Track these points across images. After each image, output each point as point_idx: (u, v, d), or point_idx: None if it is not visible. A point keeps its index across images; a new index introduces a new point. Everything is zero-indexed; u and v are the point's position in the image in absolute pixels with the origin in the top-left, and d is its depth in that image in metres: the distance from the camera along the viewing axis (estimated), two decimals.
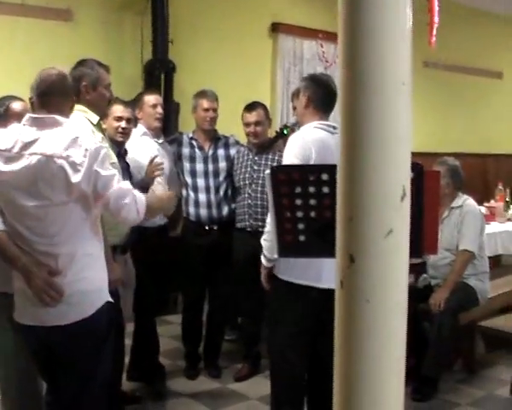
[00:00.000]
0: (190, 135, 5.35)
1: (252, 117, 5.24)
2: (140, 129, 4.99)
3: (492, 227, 6.42)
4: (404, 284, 1.55)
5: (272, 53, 8.33)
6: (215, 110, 5.29)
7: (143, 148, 4.90)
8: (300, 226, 2.78)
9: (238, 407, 4.84)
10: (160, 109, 5.06)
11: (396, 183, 1.49)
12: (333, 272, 1.57)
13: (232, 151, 5.35)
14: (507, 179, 8.65)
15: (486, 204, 7.09)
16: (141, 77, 7.16)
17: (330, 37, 8.34)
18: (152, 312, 5.05)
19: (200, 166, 5.20)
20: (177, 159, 5.28)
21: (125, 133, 4.46)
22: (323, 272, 3.62)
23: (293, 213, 2.76)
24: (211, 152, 5.30)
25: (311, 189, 2.69)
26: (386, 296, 1.51)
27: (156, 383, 5.02)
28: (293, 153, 3.80)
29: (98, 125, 3.84)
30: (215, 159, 5.31)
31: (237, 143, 5.42)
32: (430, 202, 2.64)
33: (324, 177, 2.66)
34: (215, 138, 5.34)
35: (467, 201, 5.34)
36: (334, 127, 3.90)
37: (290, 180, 2.71)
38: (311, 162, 3.67)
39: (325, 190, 2.68)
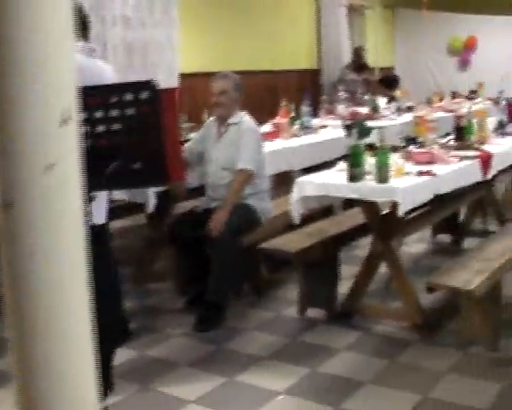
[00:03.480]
0: None
1: None
2: None
3: (276, 144, 6.30)
4: (79, 225, 1.23)
5: None
6: None
7: None
8: None
9: None
10: None
11: (52, 106, 1.16)
12: None
13: None
14: (295, 95, 8.59)
15: (272, 121, 6.96)
16: None
17: None
18: None
19: None
20: None
21: None
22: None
23: None
24: None
25: None
26: (56, 244, 1.19)
27: None
28: None
29: None
30: None
31: None
32: (169, 123, 2.36)
33: None
34: None
35: (244, 117, 5.12)
36: (94, 49, 3.57)
37: None
38: None
39: None
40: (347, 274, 5.04)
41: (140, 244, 5.95)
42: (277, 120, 6.93)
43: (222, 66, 9.27)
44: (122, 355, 4.25)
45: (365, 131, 4.25)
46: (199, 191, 5.35)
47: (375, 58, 12.53)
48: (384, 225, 4.48)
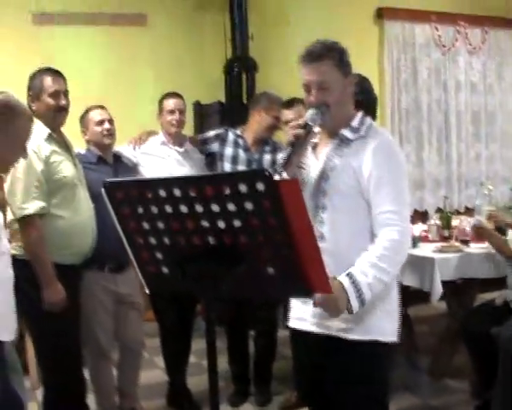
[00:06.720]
0: (238, 132, 4.70)
1: (290, 114, 4.55)
2: (160, 137, 4.58)
3: None
4: None
5: (379, 40, 7.58)
6: (277, 118, 4.60)
7: (157, 158, 4.50)
8: (159, 256, 2.20)
9: None
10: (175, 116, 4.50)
11: None
12: None
13: (280, 157, 4.66)
14: None
15: None
16: (222, 77, 6.73)
17: (446, 18, 7.61)
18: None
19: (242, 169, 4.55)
20: (219, 159, 4.65)
21: (111, 134, 4.12)
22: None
23: (146, 238, 2.18)
24: (257, 156, 4.66)
25: (154, 208, 2.10)
26: None
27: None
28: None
29: (50, 138, 3.59)
30: (260, 164, 4.64)
31: None
32: (298, 221, 1.97)
33: (162, 193, 2.06)
34: (263, 141, 4.68)
35: None
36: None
37: (129, 198, 2.13)
38: None
39: (169, 209, 2.07)
40: None
41: (440, 334, 5.39)
42: None
43: None
44: None
45: None
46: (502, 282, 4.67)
47: None
48: None
